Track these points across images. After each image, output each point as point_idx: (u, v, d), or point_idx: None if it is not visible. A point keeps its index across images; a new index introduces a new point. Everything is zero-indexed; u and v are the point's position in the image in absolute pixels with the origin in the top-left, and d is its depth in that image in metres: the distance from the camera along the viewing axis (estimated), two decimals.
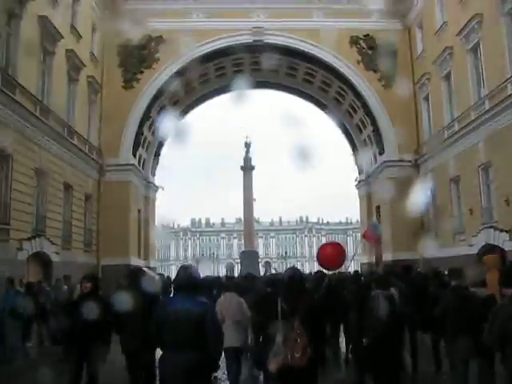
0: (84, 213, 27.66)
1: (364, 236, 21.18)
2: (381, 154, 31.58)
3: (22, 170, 19.81)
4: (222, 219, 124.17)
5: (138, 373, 7.28)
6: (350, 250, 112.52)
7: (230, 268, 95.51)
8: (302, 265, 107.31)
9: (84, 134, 27.63)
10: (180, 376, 4.75)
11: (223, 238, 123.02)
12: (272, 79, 36.39)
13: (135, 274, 7.90)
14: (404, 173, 29.79)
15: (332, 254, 11.63)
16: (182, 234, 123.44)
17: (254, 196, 58.39)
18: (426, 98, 29.58)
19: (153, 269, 32.53)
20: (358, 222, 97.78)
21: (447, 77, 26.56)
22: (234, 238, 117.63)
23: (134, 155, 31.23)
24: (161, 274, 30.62)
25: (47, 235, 21.80)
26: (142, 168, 34.38)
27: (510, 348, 4.82)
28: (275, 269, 59.98)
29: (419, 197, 28.71)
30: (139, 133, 31.11)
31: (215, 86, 36.28)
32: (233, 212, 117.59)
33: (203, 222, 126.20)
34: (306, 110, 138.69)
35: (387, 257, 28.27)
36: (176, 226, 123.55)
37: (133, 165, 30.33)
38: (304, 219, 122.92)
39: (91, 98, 28.79)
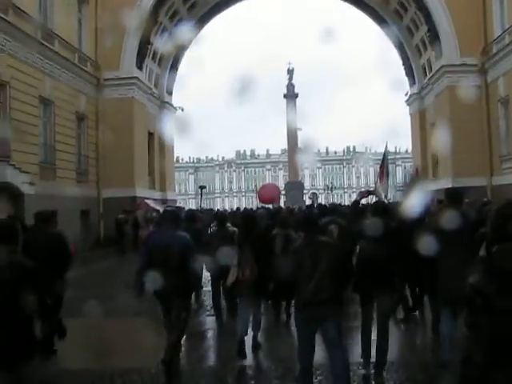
0: (77, 136, 23.29)
1: None
2: (438, 58, 25.63)
3: None
4: (267, 150, 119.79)
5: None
6: (399, 179, 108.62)
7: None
8: (350, 196, 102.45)
9: (73, 42, 22.90)
10: (170, 293, 5.93)
11: (268, 169, 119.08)
12: None
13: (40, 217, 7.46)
14: (468, 80, 24.12)
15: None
16: (226, 166, 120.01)
17: (299, 125, 55.18)
18: None
19: (165, 202, 28.35)
20: (407, 151, 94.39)
21: None
22: (280, 169, 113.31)
23: (140, 68, 26.34)
24: (178, 207, 26.39)
25: (12, 161, 17.42)
26: (155, 86, 29.59)
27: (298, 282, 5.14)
28: (311, 198, 57.93)
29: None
30: (144, 41, 26.02)
31: None
32: (279, 142, 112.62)
33: (248, 153, 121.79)
34: (345, 15, 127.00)
35: (446, 184, 22.78)
36: (220, 159, 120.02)
37: (136, 78, 25.48)
38: (351, 149, 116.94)
39: None
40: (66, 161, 21.80)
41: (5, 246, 4.09)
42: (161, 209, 23.77)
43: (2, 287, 3.88)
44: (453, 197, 6.50)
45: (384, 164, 23.08)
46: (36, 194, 18.12)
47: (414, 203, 7.91)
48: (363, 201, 19.66)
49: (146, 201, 24.28)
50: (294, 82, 56.36)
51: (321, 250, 5.05)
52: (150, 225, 22.94)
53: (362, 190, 19.25)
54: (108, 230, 23.75)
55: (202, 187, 38.46)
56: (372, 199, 19.28)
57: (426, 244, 5.65)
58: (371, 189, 22.89)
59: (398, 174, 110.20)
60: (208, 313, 9.80)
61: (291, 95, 54.08)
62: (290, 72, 57.97)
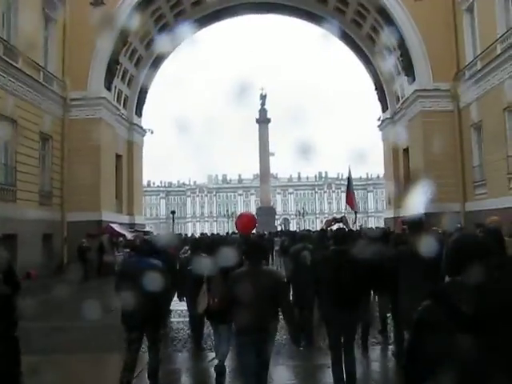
0: (41, 157, 22.40)
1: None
2: (411, 83, 25.50)
3: None
4: (239, 175, 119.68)
5: None
6: (370, 205, 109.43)
7: None
8: (321, 221, 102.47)
9: (38, 60, 22.12)
10: (144, 317, 5.96)
11: (240, 194, 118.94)
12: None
13: None
14: (440, 104, 23.94)
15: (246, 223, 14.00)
16: (198, 191, 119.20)
17: (272, 150, 55.26)
18: (470, 9, 23.32)
19: (133, 226, 27.55)
20: (378, 177, 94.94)
21: None
22: (252, 194, 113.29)
23: (108, 88, 25.62)
24: (146, 232, 25.59)
25: None
26: (124, 107, 28.91)
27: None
28: (281, 224, 58.74)
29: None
30: (113, 61, 25.36)
31: (211, 9, 30.13)
32: (251, 168, 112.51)
33: (220, 178, 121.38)
34: (318, 41, 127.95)
35: (419, 209, 22.45)
36: (192, 183, 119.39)
37: (104, 98, 24.73)
38: (323, 175, 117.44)
39: (47, 14, 23.06)
40: (28, 182, 20.84)
41: None
42: (127, 233, 22.97)
43: None
44: (413, 224, 6.65)
45: (350, 189, 22.53)
46: None
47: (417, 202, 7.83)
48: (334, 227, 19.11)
49: (112, 225, 23.42)
50: (266, 107, 56.44)
51: (261, 277, 5.20)
52: (115, 250, 22.17)
53: (328, 218, 18.80)
54: (72, 255, 22.76)
55: (173, 212, 38.00)
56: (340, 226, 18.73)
57: (390, 269, 5.93)
58: (338, 216, 22.46)
59: (370, 200, 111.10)
60: (175, 347, 9.11)
61: (263, 120, 54.03)
62: (263, 97, 58.12)
